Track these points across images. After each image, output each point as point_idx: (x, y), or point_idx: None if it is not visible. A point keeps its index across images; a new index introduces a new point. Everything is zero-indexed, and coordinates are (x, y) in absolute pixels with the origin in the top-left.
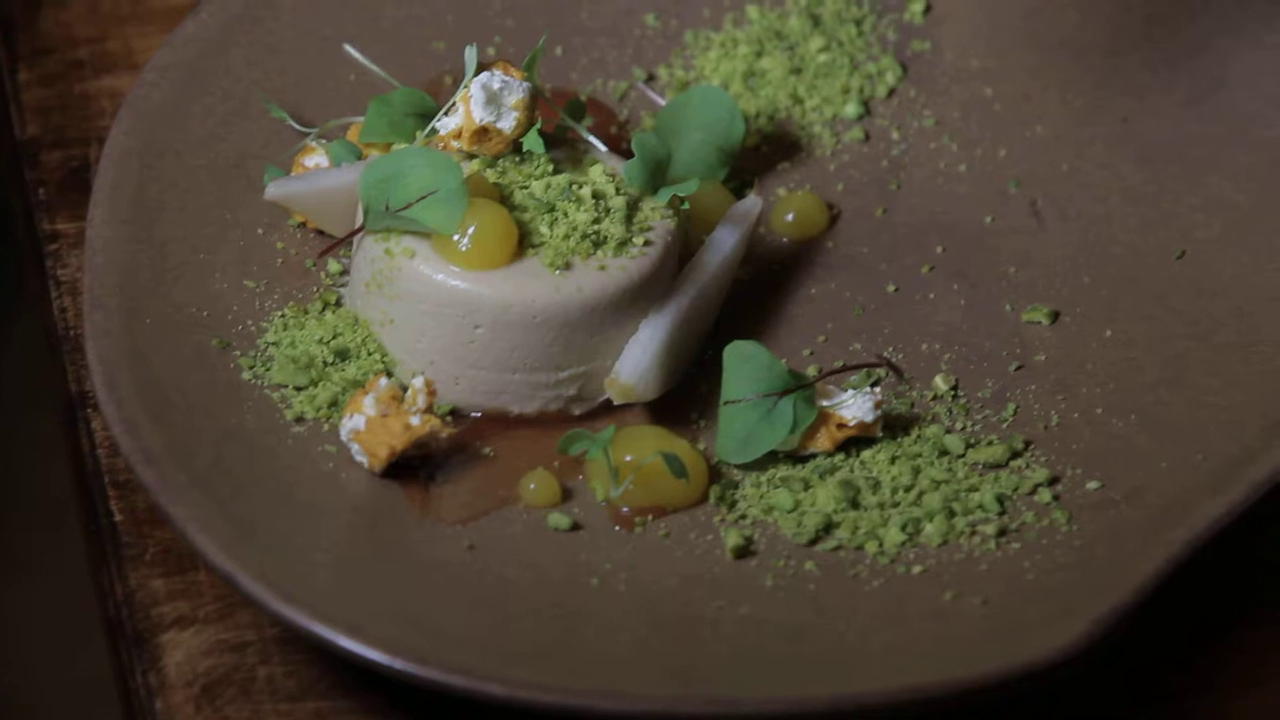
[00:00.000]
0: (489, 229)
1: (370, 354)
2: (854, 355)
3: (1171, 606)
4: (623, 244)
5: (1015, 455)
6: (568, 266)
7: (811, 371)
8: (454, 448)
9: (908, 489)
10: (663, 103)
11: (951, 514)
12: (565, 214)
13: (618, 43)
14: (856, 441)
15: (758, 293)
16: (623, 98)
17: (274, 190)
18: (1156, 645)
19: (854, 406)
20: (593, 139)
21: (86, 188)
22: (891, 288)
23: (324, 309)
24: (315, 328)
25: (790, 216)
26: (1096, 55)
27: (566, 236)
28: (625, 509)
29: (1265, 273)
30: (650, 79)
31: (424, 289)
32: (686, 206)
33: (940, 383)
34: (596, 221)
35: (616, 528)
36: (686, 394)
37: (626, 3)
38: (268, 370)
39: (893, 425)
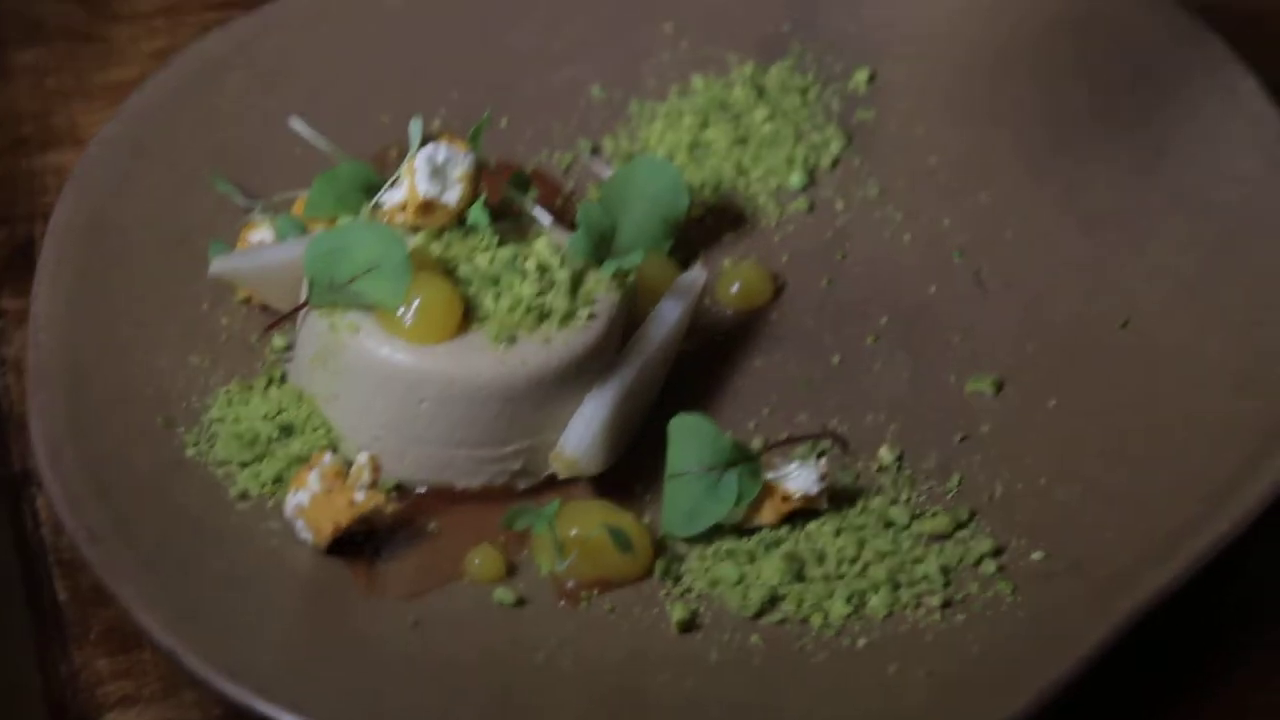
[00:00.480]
0: (433, 303)
1: (315, 429)
2: (799, 427)
3: (1118, 677)
4: (567, 317)
5: (960, 526)
6: (512, 340)
7: (757, 444)
8: (399, 523)
9: (853, 561)
10: (609, 174)
11: (896, 586)
12: (510, 287)
13: (563, 114)
14: (802, 514)
15: (703, 365)
16: (568, 169)
17: (218, 266)
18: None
19: (799, 479)
20: (538, 211)
21: (31, 264)
22: (836, 359)
23: (269, 385)
24: (260, 404)
25: (735, 288)
26: (1039, 125)
27: (511, 310)
28: (570, 583)
29: (1208, 341)
30: (596, 150)
31: (369, 364)
32: (631, 279)
33: (885, 454)
34: (541, 294)
35: (562, 602)
36: (632, 467)
37: (572, 74)
38: (212, 447)
39: (838, 497)
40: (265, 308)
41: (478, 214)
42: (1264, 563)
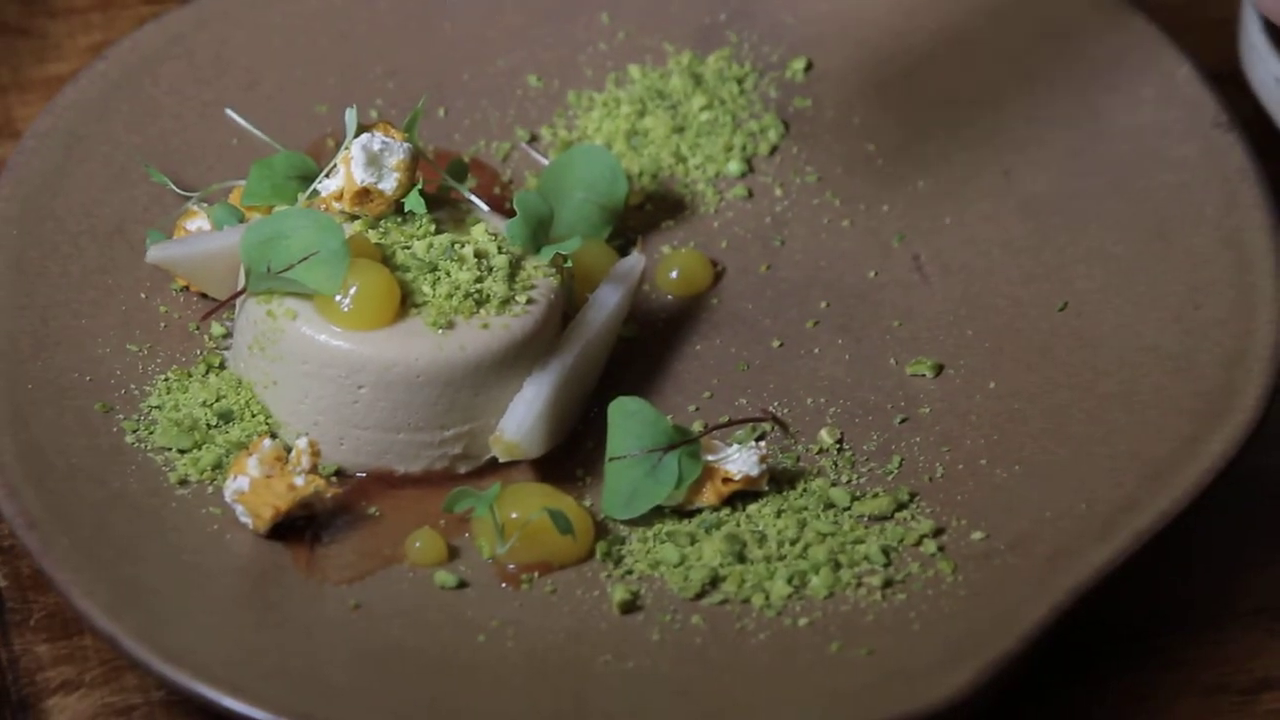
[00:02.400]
0: (371, 289)
1: (254, 416)
2: (740, 410)
3: (1062, 654)
4: (505, 302)
5: (900, 507)
6: (450, 325)
7: (697, 427)
8: (339, 508)
9: (794, 542)
10: (546, 163)
11: (837, 566)
12: (447, 273)
13: (500, 103)
14: (743, 496)
15: (643, 350)
16: (506, 158)
17: (155, 253)
18: (1047, 693)
19: (739, 461)
20: (474, 199)
21: None
22: (776, 343)
23: (207, 372)
24: (199, 390)
25: (675, 274)
26: (977, 110)
27: (449, 296)
28: (511, 566)
29: (1146, 322)
30: (533, 139)
31: (306, 350)
32: (569, 265)
33: (826, 436)
34: (479, 280)
35: (503, 585)
36: (572, 451)
37: (509, 64)
38: (151, 434)
39: (779, 479)
40: (204, 295)
41: (414, 201)
42: (1205, 542)
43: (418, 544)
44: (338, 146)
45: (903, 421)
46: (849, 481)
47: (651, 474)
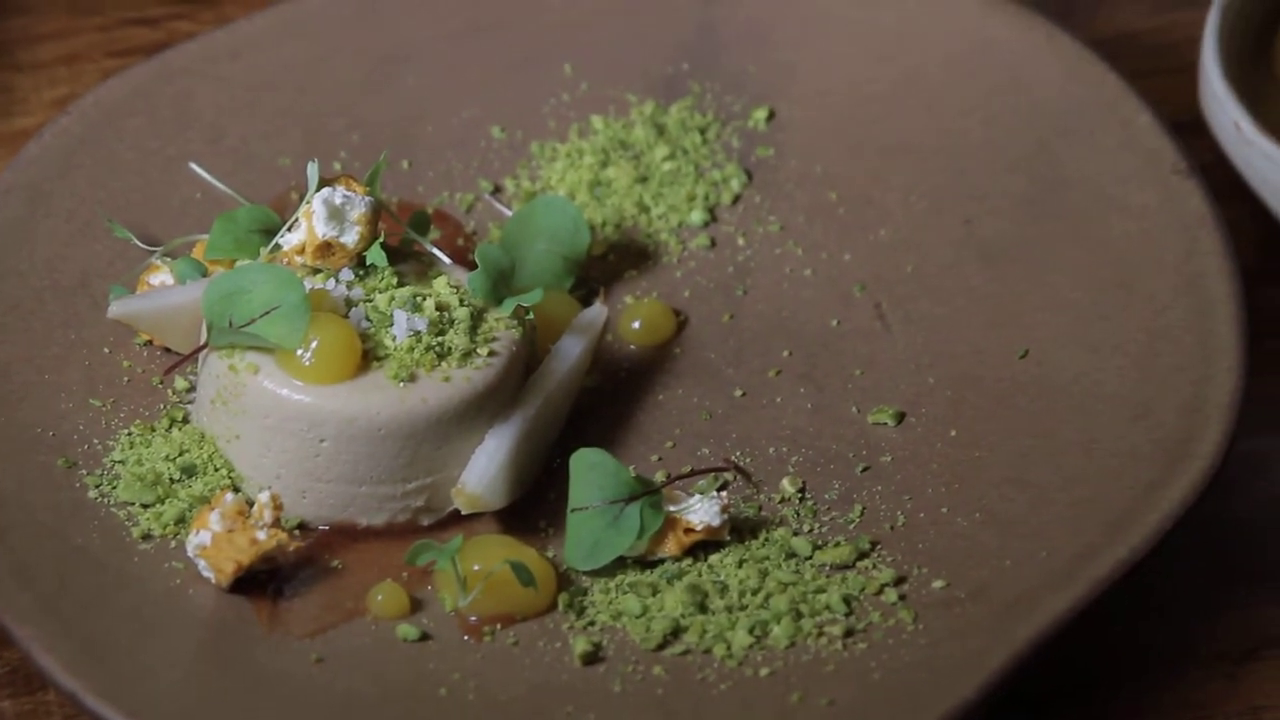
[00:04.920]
0: (332, 343)
1: (217, 470)
2: (702, 460)
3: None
4: (467, 355)
5: (862, 556)
6: (412, 379)
7: (660, 477)
8: (302, 561)
9: (755, 591)
10: (510, 214)
11: (799, 615)
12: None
13: (464, 155)
14: (705, 545)
15: (606, 400)
16: (470, 209)
17: (117, 309)
18: None
19: (701, 511)
20: (436, 251)
21: None
22: (739, 392)
23: (171, 426)
24: (162, 445)
25: (637, 324)
26: (938, 159)
27: (410, 349)
28: (474, 618)
29: (1106, 370)
30: (497, 190)
31: (268, 404)
32: (531, 317)
33: (788, 485)
34: (440, 333)
35: (465, 637)
36: (535, 502)
37: (472, 115)
38: (114, 488)
39: (740, 529)
40: (167, 350)
41: (375, 254)
42: (1165, 588)
43: (380, 597)
44: (302, 199)
45: (864, 470)
46: (811, 530)
47: (613, 525)
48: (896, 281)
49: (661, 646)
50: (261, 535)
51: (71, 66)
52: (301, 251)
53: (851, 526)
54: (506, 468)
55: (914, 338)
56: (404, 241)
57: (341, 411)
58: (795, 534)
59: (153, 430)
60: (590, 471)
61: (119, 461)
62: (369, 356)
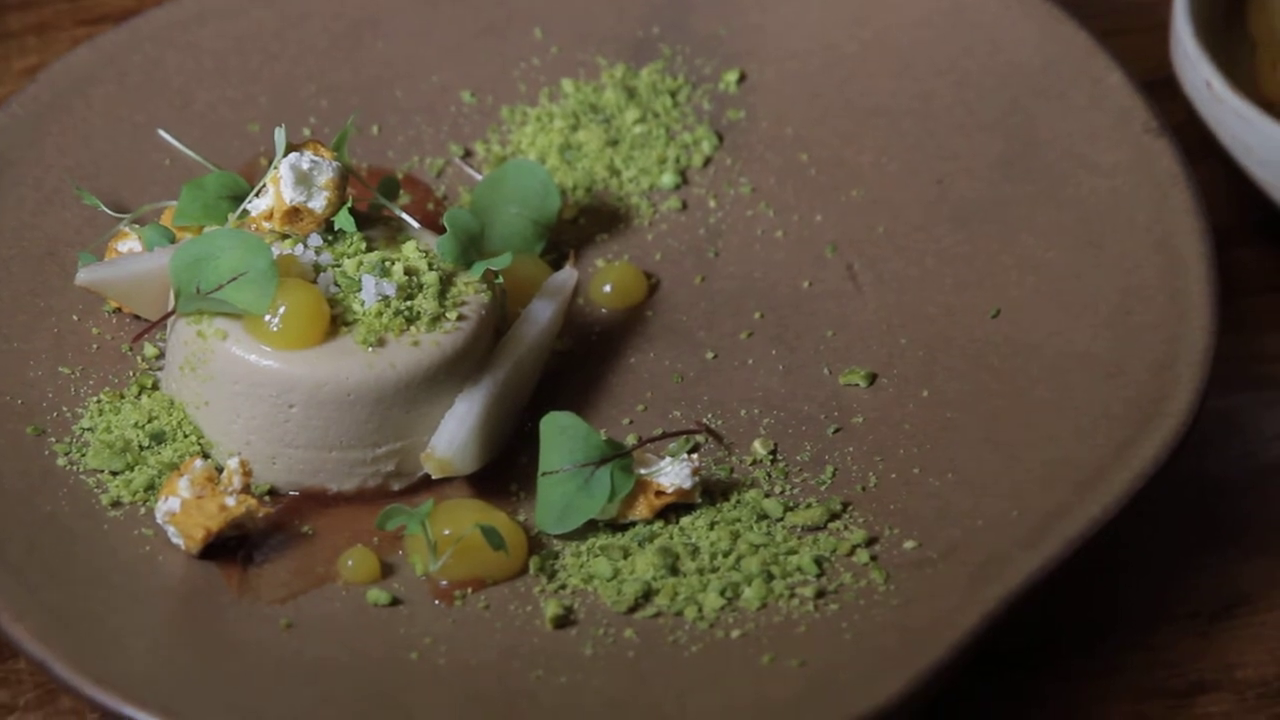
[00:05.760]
0: (300, 308)
1: (186, 436)
2: (673, 423)
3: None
4: (436, 319)
5: (834, 517)
6: (381, 343)
7: (631, 440)
8: (272, 527)
9: (726, 554)
10: (480, 178)
11: (770, 577)
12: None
13: (434, 120)
14: (676, 508)
15: (577, 363)
16: (440, 174)
17: (84, 276)
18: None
19: (672, 474)
20: (405, 216)
21: None
22: (710, 355)
23: (140, 393)
24: (131, 412)
25: (608, 287)
26: (909, 119)
27: (379, 313)
28: (445, 583)
29: (1077, 329)
30: (467, 155)
31: (237, 370)
32: (500, 280)
33: (759, 447)
34: (409, 298)
35: (436, 602)
36: (506, 466)
37: (441, 80)
38: (83, 456)
39: (712, 491)
40: (136, 317)
41: (344, 219)
42: (1137, 547)
43: (350, 562)
44: (270, 165)
45: (836, 431)
46: (782, 492)
47: (584, 488)
48: (868, 242)
49: (633, 609)
50: (231, 501)
51: (42, 35)
52: (269, 217)
53: (823, 488)
54: (476, 432)
55: (886, 298)
56: (373, 206)
57: (310, 377)
58: (767, 496)
59: (122, 397)
60: (561, 435)
61: (88, 429)
62: (337, 322)
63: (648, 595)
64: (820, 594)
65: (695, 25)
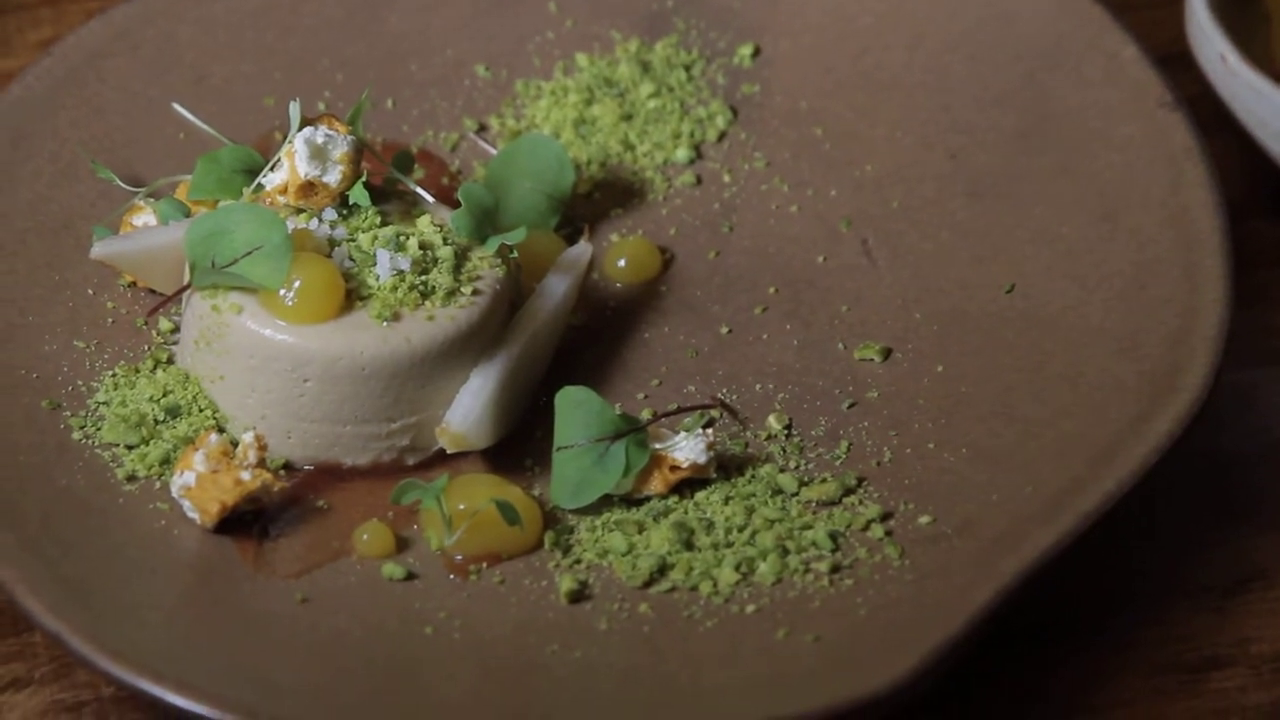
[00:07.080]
0: (315, 283)
1: (201, 410)
2: (688, 397)
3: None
4: (451, 294)
5: (848, 492)
6: (396, 318)
7: (646, 415)
8: (287, 501)
9: (741, 529)
10: (495, 152)
11: (785, 552)
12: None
13: (448, 94)
14: (691, 483)
15: (592, 338)
16: (455, 148)
17: (99, 249)
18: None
19: (687, 448)
20: (420, 190)
21: None
22: (725, 329)
23: (155, 367)
24: (146, 386)
25: (623, 262)
26: (923, 93)
27: (394, 288)
28: (459, 557)
29: (1092, 303)
30: (482, 129)
31: (252, 344)
32: (515, 255)
33: (774, 422)
34: (424, 272)
35: (451, 576)
36: (520, 440)
37: (456, 54)
38: (98, 430)
39: (727, 466)
40: (151, 291)
41: (358, 194)
42: (1151, 522)
43: (365, 536)
44: (285, 139)
45: (851, 406)
46: (797, 467)
47: (599, 463)
48: (882, 217)
49: (648, 584)
50: (246, 476)
51: (55, 7)
52: (284, 191)
53: (838, 463)
54: (491, 406)
55: (900, 273)
56: (387, 181)
57: (325, 351)
58: (781, 471)
59: (137, 371)
60: (576, 409)
61: (103, 403)
62: (352, 296)
63: (662, 570)
64: (835, 569)
65: None
